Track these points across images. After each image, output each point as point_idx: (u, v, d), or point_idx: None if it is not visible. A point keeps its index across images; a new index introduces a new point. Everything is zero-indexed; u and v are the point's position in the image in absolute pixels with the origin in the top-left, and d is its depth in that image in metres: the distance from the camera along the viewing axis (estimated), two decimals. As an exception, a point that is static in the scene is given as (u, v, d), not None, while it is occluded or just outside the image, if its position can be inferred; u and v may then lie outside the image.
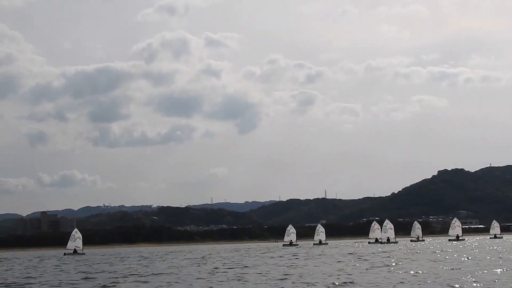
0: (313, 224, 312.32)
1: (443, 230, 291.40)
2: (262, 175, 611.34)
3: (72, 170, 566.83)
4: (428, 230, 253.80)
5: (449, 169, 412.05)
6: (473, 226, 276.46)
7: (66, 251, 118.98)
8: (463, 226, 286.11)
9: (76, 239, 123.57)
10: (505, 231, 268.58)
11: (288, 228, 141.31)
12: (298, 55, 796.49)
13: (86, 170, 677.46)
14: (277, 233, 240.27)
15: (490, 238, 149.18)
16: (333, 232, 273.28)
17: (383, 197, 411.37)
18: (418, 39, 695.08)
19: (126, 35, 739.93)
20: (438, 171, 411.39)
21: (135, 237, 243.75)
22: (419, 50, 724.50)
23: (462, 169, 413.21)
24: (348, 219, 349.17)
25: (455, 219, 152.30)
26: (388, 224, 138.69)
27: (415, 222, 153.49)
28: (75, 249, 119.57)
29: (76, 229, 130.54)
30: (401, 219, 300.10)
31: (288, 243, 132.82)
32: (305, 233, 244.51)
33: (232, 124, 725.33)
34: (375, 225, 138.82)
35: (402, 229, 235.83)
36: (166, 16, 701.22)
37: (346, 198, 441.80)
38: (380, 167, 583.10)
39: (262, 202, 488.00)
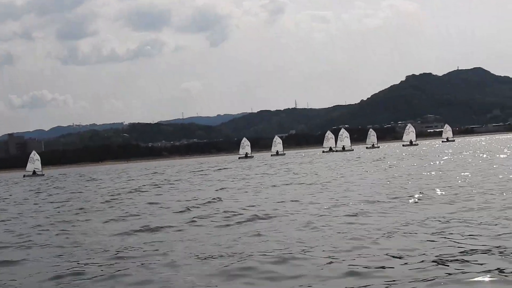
0: (282, 135, 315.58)
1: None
2: (234, 87, 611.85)
3: (42, 91, 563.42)
4: (393, 135, 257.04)
5: (417, 74, 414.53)
6: (437, 130, 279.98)
7: (25, 173, 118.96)
8: (429, 130, 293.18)
9: (35, 161, 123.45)
10: (469, 133, 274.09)
11: (243, 141, 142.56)
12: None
13: (56, 89, 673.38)
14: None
15: (442, 141, 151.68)
16: (302, 141, 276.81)
17: (352, 104, 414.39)
18: None
19: None
20: (406, 76, 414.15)
21: (103, 156, 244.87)
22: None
23: (430, 73, 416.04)
24: (318, 128, 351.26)
25: (409, 125, 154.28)
26: (344, 133, 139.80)
27: (370, 129, 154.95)
28: (34, 170, 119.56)
29: (34, 151, 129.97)
30: (370, 126, 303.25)
31: (244, 155, 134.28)
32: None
33: (203, 37, 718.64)
34: (329, 135, 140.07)
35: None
36: None
37: (316, 107, 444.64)
38: (351, 75, 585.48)
39: (234, 115, 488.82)
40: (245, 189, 29.89)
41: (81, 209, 24.14)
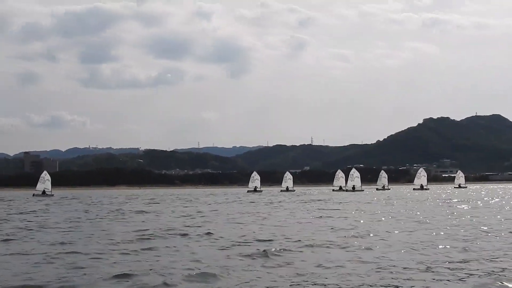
0: (295, 170, 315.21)
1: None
2: (251, 120, 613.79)
3: (61, 111, 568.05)
4: (407, 178, 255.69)
5: (435, 117, 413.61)
6: (452, 175, 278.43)
7: (35, 192, 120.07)
8: (444, 175, 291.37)
9: (45, 181, 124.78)
10: (483, 181, 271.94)
11: (253, 175, 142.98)
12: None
13: (75, 111, 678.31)
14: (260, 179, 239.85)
15: (454, 187, 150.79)
16: (315, 178, 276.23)
17: (368, 144, 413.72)
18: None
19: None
20: (424, 119, 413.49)
21: (116, 180, 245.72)
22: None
23: (448, 118, 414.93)
24: (333, 165, 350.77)
25: (421, 169, 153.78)
26: (354, 172, 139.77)
27: (382, 171, 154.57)
28: (44, 190, 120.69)
29: (45, 172, 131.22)
30: (386, 167, 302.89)
31: (253, 189, 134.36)
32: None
33: (223, 68, 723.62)
34: (339, 174, 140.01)
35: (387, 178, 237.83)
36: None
37: (332, 145, 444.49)
38: (368, 114, 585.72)
39: (250, 147, 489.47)
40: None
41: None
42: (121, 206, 60.16)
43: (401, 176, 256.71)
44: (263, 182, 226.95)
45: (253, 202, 66.64)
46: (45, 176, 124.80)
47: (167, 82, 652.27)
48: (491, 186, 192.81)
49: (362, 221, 32.96)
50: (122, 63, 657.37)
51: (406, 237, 23.49)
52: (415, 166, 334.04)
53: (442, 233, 25.08)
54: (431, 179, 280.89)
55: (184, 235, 25.79)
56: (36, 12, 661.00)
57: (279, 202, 67.58)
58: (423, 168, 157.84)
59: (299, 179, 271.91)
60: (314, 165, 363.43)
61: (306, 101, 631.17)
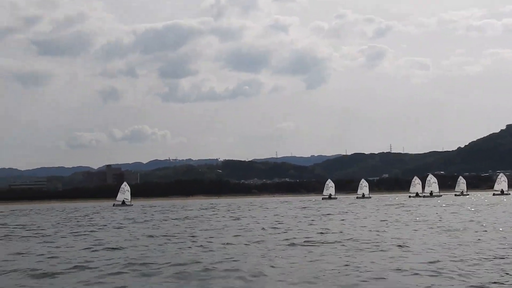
0: (374, 178, 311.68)
1: (509, 185, 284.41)
2: (328, 129, 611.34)
3: (142, 125, 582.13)
4: (489, 184, 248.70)
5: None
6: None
7: (115, 203, 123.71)
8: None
9: (125, 192, 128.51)
10: None
11: (327, 182, 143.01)
12: (367, 9, 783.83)
13: (156, 125, 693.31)
14: (337, 187, 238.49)
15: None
16: (393, 186, 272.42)
17: (449, 151, 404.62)
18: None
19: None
20: (507, 125, 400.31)
21: (194, 190, 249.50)
22: (493, 1, 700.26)
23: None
24: (412, 173, 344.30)
25: (501, 174, 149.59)
26: (432, 178, 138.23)
27: (460, 177, 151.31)
28: (123, 200, 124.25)
29: (125, 183, 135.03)
30: (467, 174, 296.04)
31: (327, 196, 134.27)
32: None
33: (300, 79, 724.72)
34: (415, 180, 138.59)
35: (467, 183, 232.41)
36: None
37: (412, 152, 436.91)
38: (449, 121, 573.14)
39: (328, 156, 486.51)
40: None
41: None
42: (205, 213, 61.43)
43: (482, 183, 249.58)
44: (340, 190, 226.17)
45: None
46: (125, 187, 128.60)
47: (245, 94, 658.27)
48: None
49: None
50: (200, 77, 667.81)
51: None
52: (498, 173, 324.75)
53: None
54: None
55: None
56: (117, 30, 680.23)
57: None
58: (504, 174, 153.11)
59: (376, 187, 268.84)
60: (393, 173, 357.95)
61: (384, 110, 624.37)
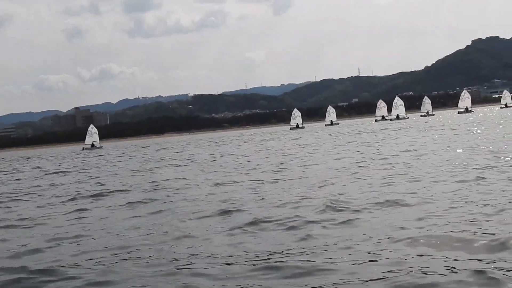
0: (343, 103, 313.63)
1: (474, 101, 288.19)
2: (297, 56, 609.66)
3: (109, 64, 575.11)
4: (456, 102, 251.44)
5: (483, 37, 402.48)
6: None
7: (84, 146, 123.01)
8: (494, 96, 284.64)
9: (93, 134, 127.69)
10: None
11: (294, 112, 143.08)
12: None
13: (123, 62, 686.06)
14: (307, 115, 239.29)
15: (501, 107, 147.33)
16: (364, 110, 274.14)
17: (417, 71, 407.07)
18: None
19: None
20: (472, 40, 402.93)
21: (165, 128, 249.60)
22: None
23: (497, 37, 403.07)
24: (382, 95, 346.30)
25: (464, 91, 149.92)
26: (398, 101, 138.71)
27: (425, 97, 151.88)
28: (92, 143, 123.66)
29: (92, 125, 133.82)
30: (435, 92, 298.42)
31: (295, 126, 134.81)
32: (337, 113, 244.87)
33: (266, 5, 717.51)
34: (381, 104, 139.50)
35: (436, 102, 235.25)
36: None
37: (380, 75, 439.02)
38: (416, 40, 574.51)
39: (297, 84, 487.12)
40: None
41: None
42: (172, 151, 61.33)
43: (450, 101, 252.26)
44: (311, 118, 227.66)
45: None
46: (92, 129, 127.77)
47: (211, 25, 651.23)
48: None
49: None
50: (165, 10, 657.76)
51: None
52: (466, 89, 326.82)
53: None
54: (482, 100, 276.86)
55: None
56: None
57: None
58: (467, 90, 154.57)
59: (347, 112, 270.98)
60: (363, 97, 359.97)
61: (352, 33, 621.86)
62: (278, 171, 23.34)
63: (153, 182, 23.18)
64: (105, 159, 57.52)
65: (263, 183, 19.29)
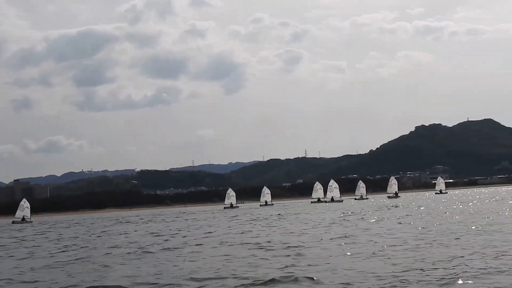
0: (285, 184, 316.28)
1: (415, 186, 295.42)
2: (247, 136, 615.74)
3: (58, 136, 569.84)
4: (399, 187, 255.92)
5: (427, 124, 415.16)
6: (446, 181, 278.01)
7: (15, 220, 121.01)
8: (433, 182, 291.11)
9: (24, 208, 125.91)
10: (472, 185, 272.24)
11: (228, 192, 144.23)
12: (283, 13, 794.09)
13: (72, 135, 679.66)
14: (250, 195, 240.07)
15: (435, 193, 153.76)
16: (304, 191, 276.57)
17: (362, 154, 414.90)
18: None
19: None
20: (416, 127, 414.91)
21: (107, 202, 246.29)
22: (404, 4, 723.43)
23: (440, 124, 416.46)
24: (326, 177, 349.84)
25: (392, 177, 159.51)
26: (333, 184, 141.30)
27: (360, 181, 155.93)
28: (23, 217, 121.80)
29: (24, 199, 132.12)
30: (379, 176, 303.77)
31: (229, 205, 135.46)
32: (279, 193, 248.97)
33: (218, 85, 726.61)
34: (317, 186, 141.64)
35: (376, 186, 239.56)
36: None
37: (327, 157, 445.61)
38: (363, 124, 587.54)
39: (245, 163, 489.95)
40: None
41: None
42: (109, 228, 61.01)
43: (383, 186, 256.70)
44: (253, 197, 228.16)
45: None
46: (24, 203, 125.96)
47: (163, 102, 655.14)
48: (476, 190, 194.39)
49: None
50: (116, 85, 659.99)
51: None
52: (408, 174, 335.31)
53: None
54: (422, 185, 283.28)
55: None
56: (30, 37, 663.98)
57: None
58: (408, 175, 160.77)
59: (289, 192, 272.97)
60: (307, 178, 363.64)
61: (301, 115, 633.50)
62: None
63: None
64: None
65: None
